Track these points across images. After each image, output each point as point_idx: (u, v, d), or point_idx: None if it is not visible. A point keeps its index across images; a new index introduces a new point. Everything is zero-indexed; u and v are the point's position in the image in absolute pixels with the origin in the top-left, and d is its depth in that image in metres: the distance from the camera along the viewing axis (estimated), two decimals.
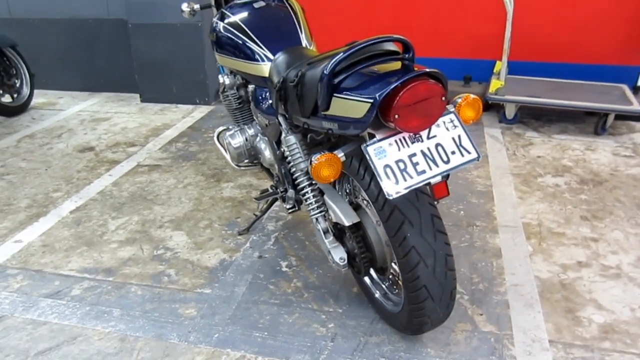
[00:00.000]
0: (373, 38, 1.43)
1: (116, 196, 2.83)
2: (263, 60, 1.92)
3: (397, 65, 1.45)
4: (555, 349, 1.72)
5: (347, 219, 1.68)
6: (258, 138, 2.23)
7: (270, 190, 2.17)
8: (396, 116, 1.33)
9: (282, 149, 1.91)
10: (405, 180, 1.40)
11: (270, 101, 1.89)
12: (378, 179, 1.39)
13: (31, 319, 1.91)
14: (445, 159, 1.44)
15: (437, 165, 1.43)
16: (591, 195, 2.70)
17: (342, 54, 1.41)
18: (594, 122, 3.51)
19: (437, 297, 1.52)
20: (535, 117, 3.81)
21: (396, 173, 1.40)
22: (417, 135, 1.44)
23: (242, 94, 2.26)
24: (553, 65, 3.95)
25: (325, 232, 1.77)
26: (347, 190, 1.88)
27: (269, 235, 2.41)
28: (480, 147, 3.30)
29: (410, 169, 1.41)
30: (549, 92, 3.59)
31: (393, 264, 1.74)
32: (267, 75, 1.90)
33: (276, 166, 2.08)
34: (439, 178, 1.45)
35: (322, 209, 1.79)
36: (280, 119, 1.81)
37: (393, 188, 1.39)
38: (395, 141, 1.42)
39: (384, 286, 1.85)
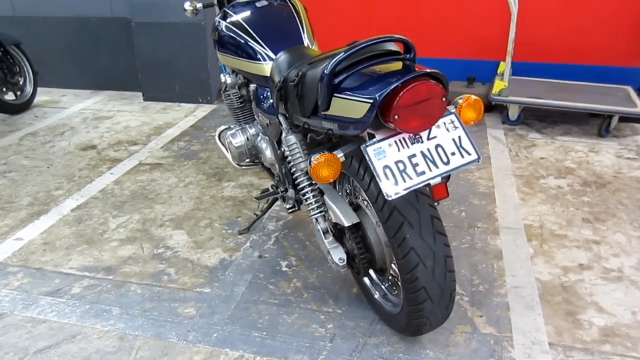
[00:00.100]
0: (374, 38, 1.42)
1: (117, 194, 2.83)
2: (265, 60, 1.92)
3: (397, 65, 1.44)
4: (555, 351, 1.71)
5: (346, 220, 1.68)
6: (259, 137, 2.23)
7: (271, 190, 2.17)
8: (396, 117, 1.32)
9: (282, 149, 1.90)
10: (404, 181, 1.39)
11: (272, 101, 1.89)
12: (377, 179, 1.38)
13: (31, 317, 1.92)
14: (445, 160, 1.43)
15: (436, 167, 1.42)
16: (594, 198, 2.69)
17: (342, 53, 1.40)
18: (598, 124, 3.49)
19: (436, 298, 1.52)
20: (539, 118, 3.79)
21: (395, 174, 1.39)
22: (417, 136, 1.44)
23: (243, 93, 2.26)
24: (557, 67, 3.93)
25: (325, 232, 1.76)
26: (347, 191, 1.87)
27: (269, 235, 2.41)
28: (482, 148, 3.29)
29: (409, 169, 1.40)
30: (553, 94, 3.57)
31: (392, 265, 1.73)
32: (268, 74, 1.89)
33: (277, 166, 2.07)
34: (438, 179, 1.44)
35: (322, 209, 1.78)
36: (281, 118, 1.81)
37: (392, 189, 1.38)
38: (395, 142, 1.42)
39: (383, 287, 1.85)
